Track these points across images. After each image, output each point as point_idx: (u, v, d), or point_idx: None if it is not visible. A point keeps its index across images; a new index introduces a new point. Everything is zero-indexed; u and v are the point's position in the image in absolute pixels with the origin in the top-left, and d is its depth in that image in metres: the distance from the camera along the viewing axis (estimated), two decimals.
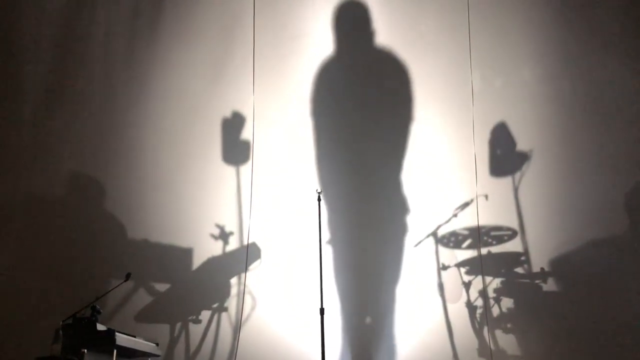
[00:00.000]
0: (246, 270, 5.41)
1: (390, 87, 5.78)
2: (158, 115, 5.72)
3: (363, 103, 5.74)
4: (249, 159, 5.64)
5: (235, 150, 5.66)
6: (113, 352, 3.89)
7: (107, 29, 5.86)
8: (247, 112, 5.71)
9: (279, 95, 5.75)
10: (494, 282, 5.25)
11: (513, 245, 5.34)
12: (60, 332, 3.79)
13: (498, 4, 5.78)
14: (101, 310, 3.98)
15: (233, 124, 5.70)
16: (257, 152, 5.65)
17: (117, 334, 3.90)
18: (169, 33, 5.84)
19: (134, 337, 4.15)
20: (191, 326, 5.25)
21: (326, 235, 5.36)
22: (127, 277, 4.28)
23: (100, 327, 3.89)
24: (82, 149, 5.65)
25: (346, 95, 5.75)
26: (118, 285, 4.44)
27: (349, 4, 5.82)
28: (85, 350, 3.78)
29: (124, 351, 4.01)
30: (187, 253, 5.44)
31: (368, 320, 5.35)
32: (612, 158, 5.41)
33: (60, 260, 5.36)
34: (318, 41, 5.79)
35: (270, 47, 5.78)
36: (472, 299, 5.24)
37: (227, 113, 5.71)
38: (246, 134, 5.69)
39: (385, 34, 5.78)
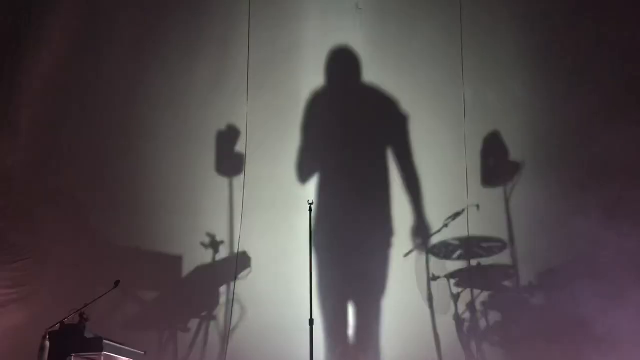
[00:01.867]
0: (235, 279, 5.42)
1: (382, 102, 5.81)
2: (152, 124, 5.74)
3: (354, 116, 5.78)
4: (242, 171, 5.65)
5: (229, 162, 5.67)
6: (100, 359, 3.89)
7: (108, 40, 5.89)
8: (240, 123, 5.73)
9: (272, 107, 5.78)
10: (482, 295, 5.27)
11: (503, 258, 5.35)
12: (47, 338, 3.79)
13: (490, 20, 5.82)
14: (89, 318, 3.98)
15: (227, 136, 5.72)
16: (249, 162, 5.65)
17: (104, 341, 3.91)
18: (167, 45, 5.87)
19: (122, 344, 4.14)
20: (179, 334, 5.26)
21: (317, 245, 5.35)
22: (116, 284, 4.29)
23: (88, 334, 3.89)
24: (74, 157, 5.67)
25: (337, 109, 5.78)
26: (107, 293, 4.44)
27: (341, 21, 5.88)
28: (72, 357, 3.78)
29: (112, 359, 4.01)
30: (177, 261, 5.45)
31: None
32: (602, 172, 5.43)
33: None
34: (310, 54, 5.82)
35: (264, 59, 5.81)
36: (460, 311, 5.25)
37: (222, 125, 5.73)
38: (240, 145, 5.70)
39: (379, 50, 5.82)
